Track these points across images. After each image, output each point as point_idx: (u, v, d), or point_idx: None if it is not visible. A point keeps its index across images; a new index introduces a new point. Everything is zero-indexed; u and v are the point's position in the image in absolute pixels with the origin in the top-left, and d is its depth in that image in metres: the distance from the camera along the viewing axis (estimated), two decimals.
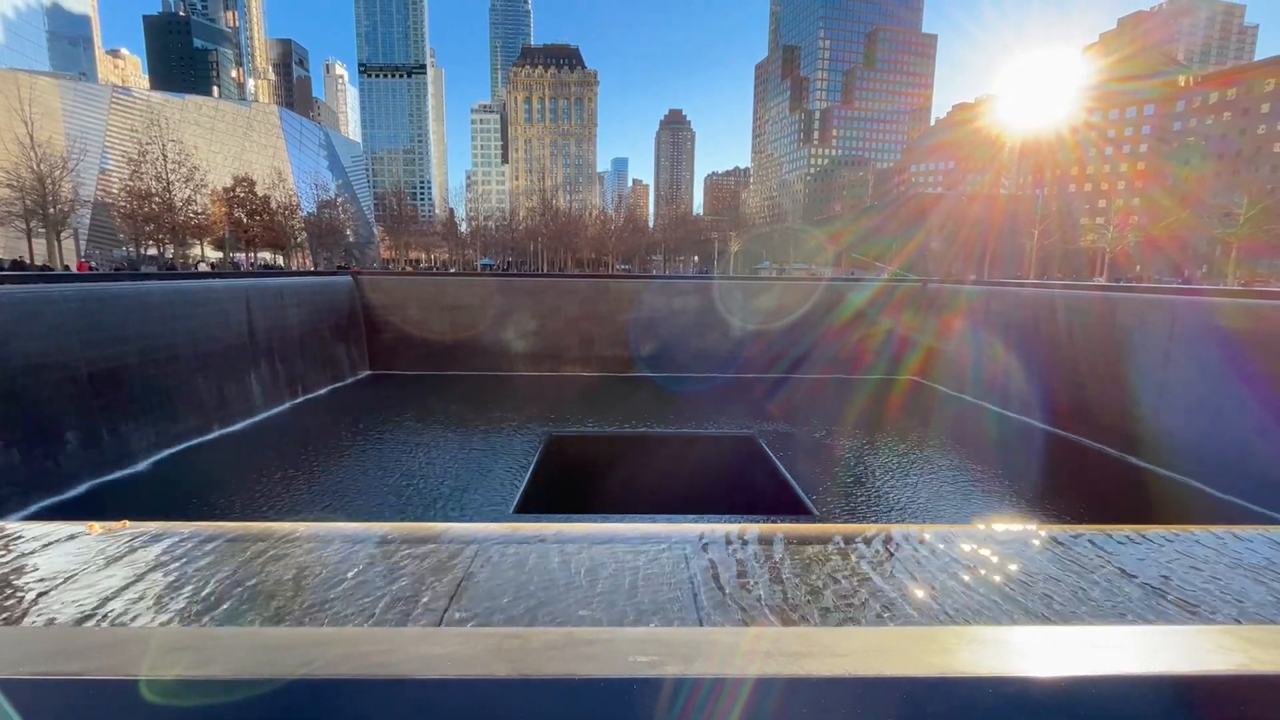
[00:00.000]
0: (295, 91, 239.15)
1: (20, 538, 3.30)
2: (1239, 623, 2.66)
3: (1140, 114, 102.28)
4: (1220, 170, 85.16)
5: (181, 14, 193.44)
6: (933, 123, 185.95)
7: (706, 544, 3.43)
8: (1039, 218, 72.89)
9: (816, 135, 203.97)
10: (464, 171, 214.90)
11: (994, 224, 78.18)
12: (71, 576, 2.89)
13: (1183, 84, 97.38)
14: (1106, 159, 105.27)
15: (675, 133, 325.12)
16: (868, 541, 3.61)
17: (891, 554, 3.45)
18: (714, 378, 34.84)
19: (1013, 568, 3.24)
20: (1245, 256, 62.81)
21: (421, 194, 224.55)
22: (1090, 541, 3.53)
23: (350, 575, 3.07)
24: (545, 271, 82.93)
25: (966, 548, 3.46)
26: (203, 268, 61.06)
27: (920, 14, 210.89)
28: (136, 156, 53.64)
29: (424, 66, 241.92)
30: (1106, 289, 27.70)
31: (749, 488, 20.89)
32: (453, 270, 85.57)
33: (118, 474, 17.36)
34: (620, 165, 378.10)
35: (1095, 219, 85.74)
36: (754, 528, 3.76)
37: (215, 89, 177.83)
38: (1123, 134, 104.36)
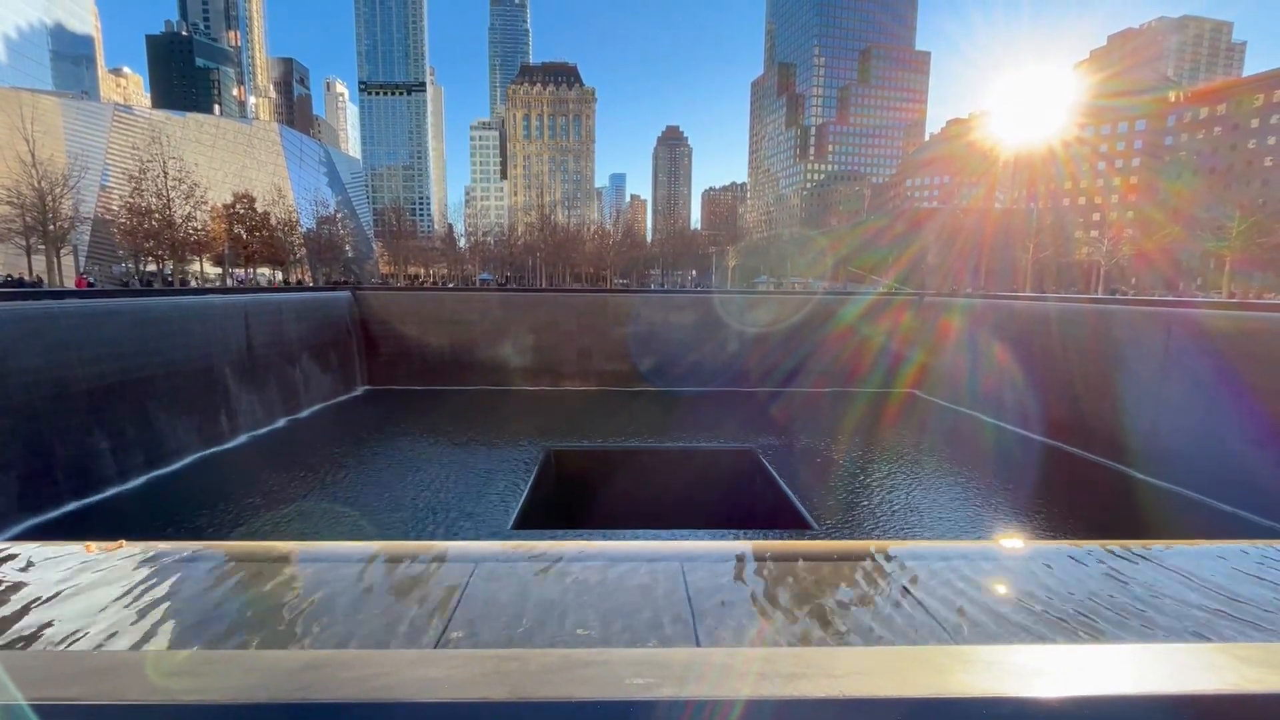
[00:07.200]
0: (296, 109, 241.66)
1: (15, 558, 3.29)
2: (1235, 641, 2.66)
3: (1132, 129, 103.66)
4: (1211, 185, 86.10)
5: (184, 33, 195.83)
6: (927, 137, 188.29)
7: (705, 561, 3.43)
8: (1033, 231, 73.47)
9: (812, 150, 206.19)
10: (463, 187, 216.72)
11: (988, 237, 78.79)
12: (67, 598, 2.88)
13: (1173, 100, 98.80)
14: (1099, 174, 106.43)
15: (673, 149, 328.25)
16: (865, 558, 3.61)
17: (889, 571, 3.45)
18: (711, 391, 34.83)
19: (1011, 585, 3.25)
20: (1238, 270, 63.28)
21: (420, 210, 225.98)
22: (1087, 557, 3.53)
23: (346, 595, 3.06)
24: (544, 286, 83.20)
25: (965, 564, 3.46)
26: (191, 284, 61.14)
27: (914, 31, 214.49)
28: (137, 174, 53.94)
29: (423, 84, 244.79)
30: (1100, 301, 27.85)
31: (749, 502, 20.80)
32: (451, 285, 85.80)
33: (106, 494, 17.24)
34: (618, 180, 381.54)
35: (1089, 232, 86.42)
36: (752, 544, 3.77)
37: (217, 107, 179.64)
38: (1115, 149, 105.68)
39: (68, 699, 1.52)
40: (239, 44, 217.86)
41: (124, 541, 3.49)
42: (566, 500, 21.05)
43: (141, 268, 65.33)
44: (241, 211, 69.17)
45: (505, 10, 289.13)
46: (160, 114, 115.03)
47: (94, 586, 3.01)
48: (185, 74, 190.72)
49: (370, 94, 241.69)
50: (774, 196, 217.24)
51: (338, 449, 22.51)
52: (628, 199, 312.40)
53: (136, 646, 2.58)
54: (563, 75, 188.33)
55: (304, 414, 28.10)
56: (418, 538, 15.00)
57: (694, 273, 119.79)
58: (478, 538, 15.12)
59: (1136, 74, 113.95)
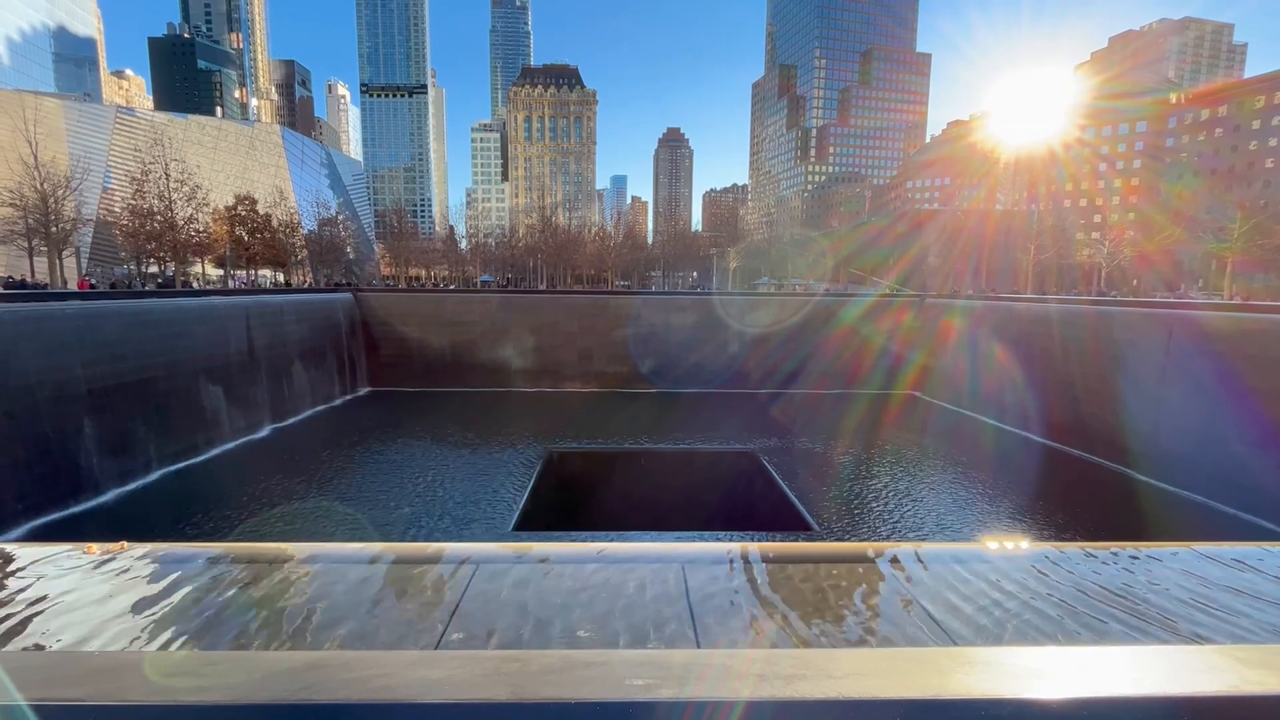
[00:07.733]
0: (298, 111, 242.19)
1: (19, 559, 3.30)
2: (1235, 642, 2.66)
3: (1133, 131, 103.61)
4: (1212, 186, 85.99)
5: (186, 36, 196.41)
6: (928, 139, 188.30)
7: (705, 562, 3.43)
8: (1034, 233, 73.40)
9: (813, 152, 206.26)
10: (464, 189, 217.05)
11: (989, 239, 78.77)
12: (69, 599, 2.89)
13: (1174, 101, 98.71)
14: (1100, 175, 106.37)
15: (674, 151, 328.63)
16: (865, 560, 3.61)
17: (890, 572, 3.45)
18: (712, 392, 34.83)
19: (1012, 586, 3.24)
20: (1240, 272, 63.17)
21: (422, 211, 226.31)
22: (1087, 558, 3.53)
23: (348, 596, 3.07)
24: (545, 288, 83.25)
25: (965, 566, 3.46)
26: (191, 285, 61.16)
27: (914, 33, 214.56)
28: (139, 176, 53.99)
29: (425, 86, 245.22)
30: (1101, 302, 27.80)
31: (750, 503, 20.79)
32: (452, 287, 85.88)
33: (105, 497, 17.25)
34: (619, 182, 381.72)
35: (1090, 234, 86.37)
36: (752, 546, 3.76)
37: (219, 109, 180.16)
38: (1115, 151, 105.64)
39: (69, 700, 1.53)
40: (241, 46, 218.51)
41: (126, 543, 3.50)
42: (567, 501, 21.04)
43: (143, 269, 65.44)
44: (243, 213, 69.27)
45: (506, 12, 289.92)
46: (162, 116, 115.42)
47: (96, 587, 3.02)
48: (187, 76, 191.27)
49: (372, 96, 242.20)
50: (775, 198, 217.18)
51: (340, 450, 22.52)
52: (629, 200, 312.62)
53: (138, 647, 2.58)
54: (564, 77, 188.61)
55: (306, 415, 28.12)
56: (419, 539, 15.00)
57: (695, 274, 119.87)
58: (479, 539, 15.12)
59: (1137, 76, 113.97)
